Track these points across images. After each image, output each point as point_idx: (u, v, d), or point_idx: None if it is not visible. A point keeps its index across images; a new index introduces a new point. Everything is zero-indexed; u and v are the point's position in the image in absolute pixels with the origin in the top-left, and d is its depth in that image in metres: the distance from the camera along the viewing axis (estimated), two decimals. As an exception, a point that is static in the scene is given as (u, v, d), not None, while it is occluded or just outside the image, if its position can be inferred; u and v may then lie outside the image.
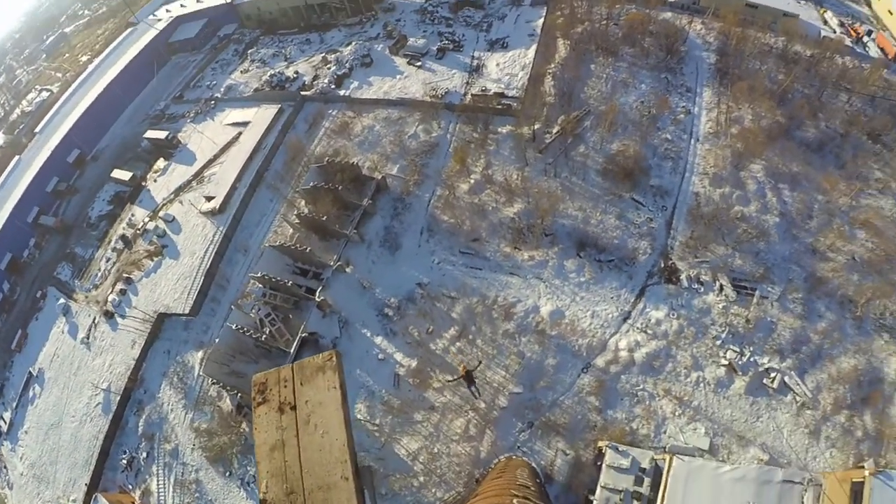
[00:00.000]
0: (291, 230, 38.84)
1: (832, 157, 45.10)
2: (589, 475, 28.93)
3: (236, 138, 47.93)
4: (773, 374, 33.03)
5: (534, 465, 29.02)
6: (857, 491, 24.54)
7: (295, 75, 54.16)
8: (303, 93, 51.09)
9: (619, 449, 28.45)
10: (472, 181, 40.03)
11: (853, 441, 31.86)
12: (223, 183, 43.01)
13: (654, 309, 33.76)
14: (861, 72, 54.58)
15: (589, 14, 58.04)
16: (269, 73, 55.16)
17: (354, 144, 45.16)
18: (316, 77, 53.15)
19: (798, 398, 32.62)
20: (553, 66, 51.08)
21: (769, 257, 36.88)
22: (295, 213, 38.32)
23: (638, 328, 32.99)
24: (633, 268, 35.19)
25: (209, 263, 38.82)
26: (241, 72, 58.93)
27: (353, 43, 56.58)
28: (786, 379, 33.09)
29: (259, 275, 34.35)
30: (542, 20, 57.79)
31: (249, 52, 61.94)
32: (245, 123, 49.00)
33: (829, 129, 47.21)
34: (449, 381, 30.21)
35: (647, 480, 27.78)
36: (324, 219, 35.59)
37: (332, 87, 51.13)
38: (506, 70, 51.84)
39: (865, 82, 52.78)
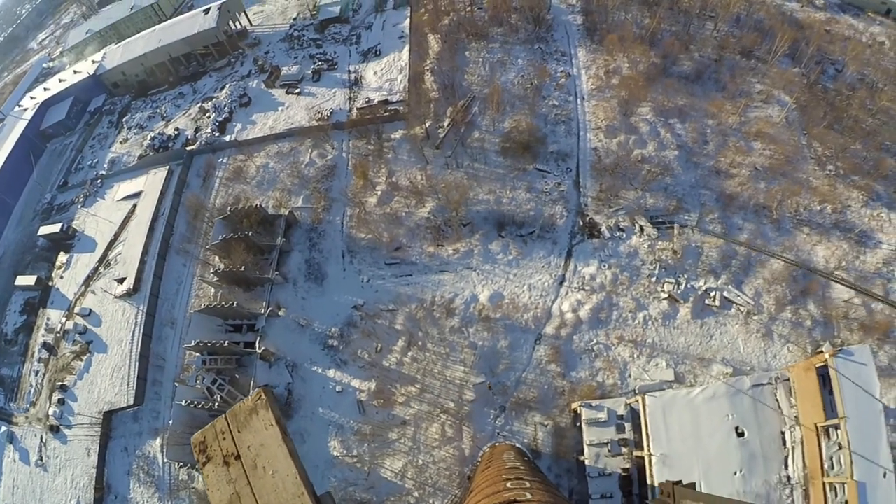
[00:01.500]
0: (213, 289, 46.80)
1: (712, 83, 63.12)
2: (572, 438, 38.64)
3: (132, 211, 56.65)
4: (712, 294, 46.08)
5: (518, 445, 38.03)
6: (823, 374, 36.34)
7: (176, 132, 64.77)
8: (188, 148, 61.15)
9: (593, 405, 38.63)
10: (379, 192, 51.06)
11: (805, 332, 45.33)
12: (131, 261, 50.76)
13: (585, 266, 45.80)
14: (722, -2, 75.41)
15: (452, 4, 75.31)
16: (149, 137, 65.59)
17: (253, 186, 55.08)
18: (198, 129, 64.01)
19: (742, 308, 45.72)
20: (429, 62, 65.78)
21: (678, 189, 51.48)
22: (211, 270, 46.26)
23: (575, 288, 44.56)
24: (554, 233, 47.43)
25: (139, 347, 45.62)
26: (121, 142, 69.13)
27: (227, 86, 68.77)
28: (725, 294, 46.28)
29: (193, 344, 41.30)
30: (408, 20, 74.11)
31: (124, 120, 72.79)
32: (137, 194, 58.03)
33: (703, 58, 65.92)
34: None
35: (627, 426, 38.09)
36: (242, 269, 43.83)
37: (216, 134, 61.95)
38: (385, 77, 66.12)
39: (728, 6, 73.59)
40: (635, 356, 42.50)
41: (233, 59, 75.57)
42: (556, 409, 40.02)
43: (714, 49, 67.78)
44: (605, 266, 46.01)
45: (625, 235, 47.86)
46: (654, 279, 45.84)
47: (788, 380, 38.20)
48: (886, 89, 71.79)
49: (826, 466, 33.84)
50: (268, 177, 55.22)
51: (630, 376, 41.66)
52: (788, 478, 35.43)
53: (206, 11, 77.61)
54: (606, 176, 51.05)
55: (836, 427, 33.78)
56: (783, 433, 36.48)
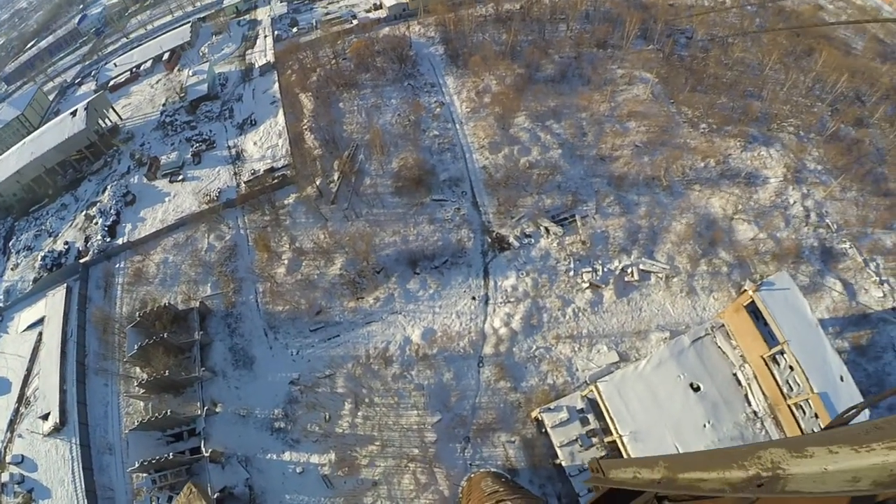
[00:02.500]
0: (142, 403, 51.42)
1: (577, 79, 79.57)
2: (543, 445, 47.19)
3: (39, 340, 60.52)
4: (629, 270, 58.25)
5: (493, 470, 45.94)
6: (752, 311, 47.63)
7: (66, 246, 70.54)
8: (82, 261, 66.63)
9: (552, 408, 47.68)
10: (286, 261, 59.48)
11: (724, 278, 58.24)
12: (50, 393, 54.25)
13: (504, 279, 56.45)
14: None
15: (317, 60, 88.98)
16: (39, 258, 70.58)
17: (157, 285, 61.18)
18: (87, 238, 70.21)
19: (660, 275, 58.05)
20: (306, 120, 77.31)
21: (570, 184, 64.76)
22: (135, 383, 51.07)
23: (501, 303, 54.81)
24: (467, 257, 58.07)
25: (83, 482, 48.62)
26: (12, 269, 73.39)
27: (109, 187, 76.25)
28: (641, 267, 58.62)
29: (137, 465, 45.21)
30: (277, 84, 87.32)
31: (10, 245, 77.32)
32: (41, 320, 62.26)
33: (563, 59, 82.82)
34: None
35: (590, 417, 47.36)
36: (166, 374, 49.03)
37: (108, 240, 68.43)
38: (265, 145, 77.09)
39: (575, 6, 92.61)
40: (576, 349, 52.70)
41: (109, 158, 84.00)
42: (518, 422, 48.62)
43: (571, 48, 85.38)
44: (522, 274, 56.90)
45: (533, 240, 59.48)
46: (571, 273, 57.26)
47: (723, 325, 49.64)
48: (737, 42, 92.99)
49: (785, 390, 43.43)
50: (170, 272, 61.99)
51: (578, 370, 51.54)
52: (755, 412, 45.07)
53: (74, 114, 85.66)
54: (501, 189, 63.25)
55: (782, 352, 43.68)
56: (735, 374, 46.87)
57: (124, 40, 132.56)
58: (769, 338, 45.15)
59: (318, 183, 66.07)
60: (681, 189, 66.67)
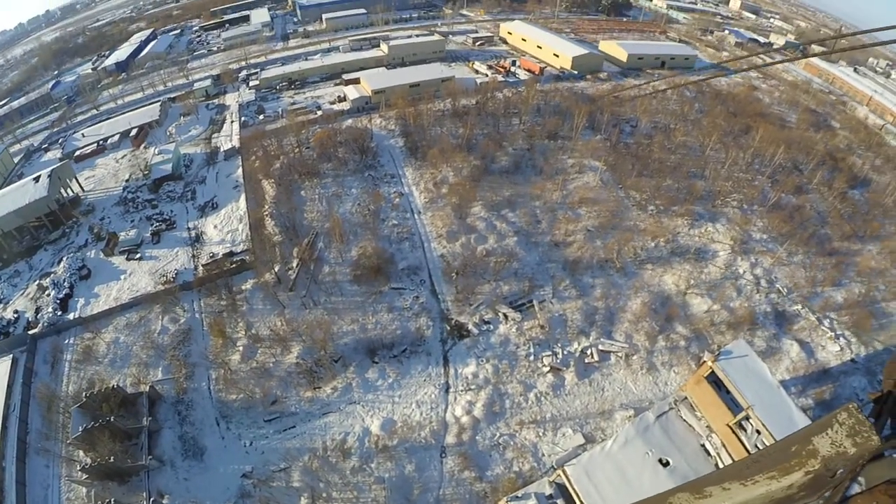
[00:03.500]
0: (84, 489, 48.07)
1: (530, 170, 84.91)
2: (510, 539, 46.30)
3: None
4: (588, 352, 59.93)
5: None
6: (714, 380, 49.12)
7: (16, 315, 68.19)
8: (30, 332, 64.42)
9: (519, 496, 47.22)
10: (241, 348, 59.38)
11: (683, 352, 60.20)
12: None
13: (464, 367, 57.51)
14: (521, 94, 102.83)
15: (281, 148, 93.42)
16: None
17: (106, 366, 59.36)
18: (38, 309, 68.26)
19: (620, 354, 59.75)
20: (267, 207, 79.96)
21: (526, 270, 67.67)
22: (78, 468, 48.14)
23: (462, 391, 55.51)
24: (426, 345, 59.27)
25: None
26: None
27: (65, 258, 75.38)
28: (600, 347, 60.41)
29: None
30: (240, 169, 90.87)
31: None
32: None
33: (516, 150, 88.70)
34: None
35: (560, 502, 47.02)
36: (111, 460, 46.70)
37: (59, 313, 66.68)
38: (226, 228, 78.77)
39: (527, 101, 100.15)
40: (541, 434, 53.02)
41: (67, 229, 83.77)
42: (484, 514, 48.05)
43: (524, 140, 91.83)
44: (483, 361, 58.08)
45: (492, 327, 61.22)
46: (532, 357, 58.68)
47: (686, 398, 50.98)
48: (678, 127, 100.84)
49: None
50: (120, 353, 60.66)
51: (544, 455, 51.58)
52: None
53: (37, 179, 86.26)
54: (459, 277, 65.69)
55: (747, 418, 44.60)
56: (703, 445, 47.56)
57: (94, 112, 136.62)
58: (733, 405, 46.31)
59: (276, 269, 67.56)
60: (634, 269, 70.08)
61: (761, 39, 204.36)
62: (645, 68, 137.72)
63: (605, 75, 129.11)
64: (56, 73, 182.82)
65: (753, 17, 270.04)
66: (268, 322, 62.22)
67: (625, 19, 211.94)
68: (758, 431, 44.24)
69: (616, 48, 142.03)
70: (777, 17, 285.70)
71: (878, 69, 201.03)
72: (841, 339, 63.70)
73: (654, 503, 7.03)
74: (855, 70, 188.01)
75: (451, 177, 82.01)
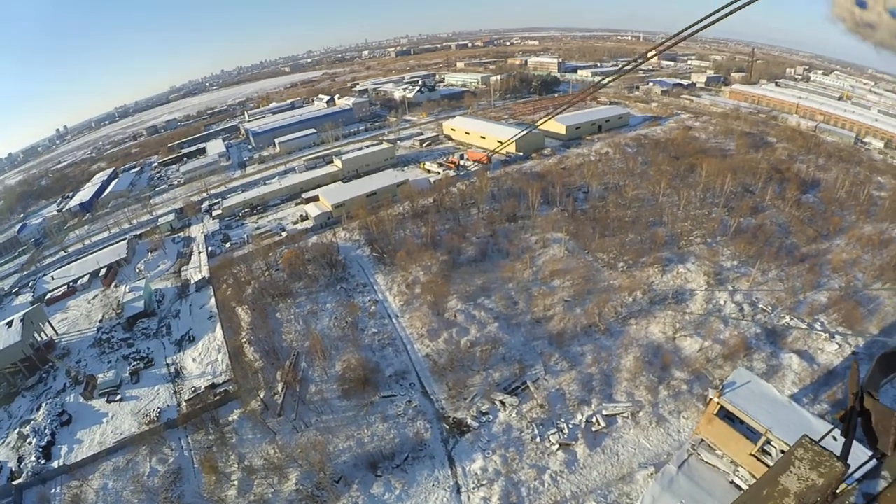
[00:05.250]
0: None
1: (497, 254, 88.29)
2: None
3: None
4: (593, 419, 59.99)
5: None
6: (725, 415, 49.42)
7: None
8: (14, 483, 61.67)
9: (561, 590, 45.75)
10: (236, 482, 57.41)
11: (687, 395, 60.62)
12: None
13: (471, 463, 56.82)
14: (474, 185, 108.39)
15: (251, 273, 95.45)
16: None
17: None
18: (21, 458, 65.65)
19: (625, 415, 59.89)
20: (244, 333, 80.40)
21: (514, 353, 68.80)
22: None
23: (474, 488, 54.52)
24: (427, 449, 58.67)
25: None
26: None
27: (44, 405, 73.62)
28: (604, 412, 60.57)
29: None
30: (213, 299, 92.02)
31: None
32: None
33: (480, 239, 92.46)
34: None
35: None
36: None
37: (42, 462, 64.21)
38: (205, 360, 78.43)
39: (481, 190, 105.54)
40: (564, 516, 52.04)
41: (44, 374, 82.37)
42: None
43: (486, 227, 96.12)
44: (489, 453, 57.52)
45: (491, 416, 61.22)
46: (538, 439, 58.38)
47: (703, 440, 51.36)
48: (628, 182, 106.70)
49: None
50: (110, 500, 57.61)
51: (571, 539, 50.48)
52: None
53: (9, 325, 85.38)
54: (448, 374, 66.25)
55: (768, 442, 45.20)
56: (732, 482, 47.58)
57: (62, 253, 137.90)
58: (750, 433, 46.87)
59: (261, 396, 67.15)
60: (618, 328, 71.78)
61: (684, 82, 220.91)
62: (584, 135, 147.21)
63: (549, 151, 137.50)
64: (22, 215, 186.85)
65: (672, 63, 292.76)
66: (260, 451, 61.17)
67: (556, 95, 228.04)
68: (782, 452, 44.30)
69: (554, 123, 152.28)
70: (692, 57, 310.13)
71: (796, 77, 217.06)
72: (836, 336, 65.58)
73: None
74: (776, 84, 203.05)
75: (422, 276, 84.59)
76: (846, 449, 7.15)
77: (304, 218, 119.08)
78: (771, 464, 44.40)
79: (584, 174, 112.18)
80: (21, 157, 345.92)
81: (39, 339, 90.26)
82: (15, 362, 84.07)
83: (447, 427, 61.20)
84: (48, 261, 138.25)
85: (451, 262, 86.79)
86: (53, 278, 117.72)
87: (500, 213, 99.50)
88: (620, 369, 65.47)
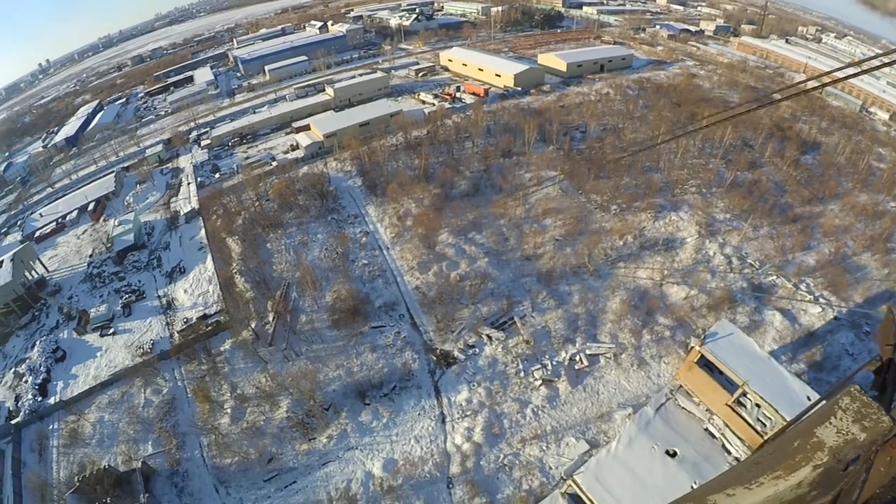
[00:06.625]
0: None
1: (489, 189, 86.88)
2: (531, 562, 46.31)
3: None
4: (577, 358, 60.88)
5: None
6: (705, 364, 50.17)
7: None
8: (13, 422, 63.08)
9: (532, 515, 47.49)
10: (229, 410, 58.67)
11: (669, 342, 61.57)
12: None
13: (456, 394, 57.83)
14: (469, 118, 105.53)
15: (241, 204, 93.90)
16: None
17: (94, 447, 57.86)
18: (18, 397, 66.99)
19: (608, 355, 60.82)
20: (235, 264, 79.96)
21: (502, 288, 68.82)
22: None
23: (458, 418, 55.72)
24: (415, 379, 59.51)
25: None
26: None
27: (38, 342, 74.20)
28: (587, 352, 61.45)
29: None
30: (203, 230, 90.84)
31: None
32: None
33: (473, 173, 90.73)
34: None
35: None
36: None
37: (39, 399, 65.59)
38: (196, 291, 78.43)
39: (477, 123, 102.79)
40: (545, 448, 53.37)
41: (37, 311, 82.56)
42: (500, 541, 48.00)
43: (480, 161, 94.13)
44: (474, 385, 58.50)
45: (478, 350, 61.89)
46: (522, 374, 59.34)
47: (681, 386, 52.18)
48: (626, 126, 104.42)
49: (759, 428, 44.96)
50: (107, 431, 59.32)
51: (551, 468, 51.88)
52: (737, 459, 45.96)
53: (0, 265, 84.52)
54: (437, 306, 66.41)
55: (744, 394, 45.73)
56: (706, 429, 48.52)
57: (50, 189, 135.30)
58: (728, 384, 47.34)
59: (253, 326, 67.44)
60: (607, 270, 71.87)
61: (692, 28, 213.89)
62: (585, 74, 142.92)
63: (548, 87, 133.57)
64: (7, 154, 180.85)
65: (682, 8, 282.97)
66: (252, 380, 61.86)
67: (559, 30, 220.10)
68: (757, 405, 45.49)
69: (555, 59, 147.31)
70: (703, 3, 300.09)
71: (808, 36, 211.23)
72: (820, 300, 66.22)
73: None
74: (787, 41, 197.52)
75: (414, 208, 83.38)
76: (886, 404, 6.11)
77: (295, 148, 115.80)
78: (746, 415, 45.81)
79: (582, 114, 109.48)
80: (3, 94, 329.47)
81: (30, 277, 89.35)
82: (7, 302, 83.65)
83: (434, 358, 61.84)
84: (35, 198, 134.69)
85: (443, 195, 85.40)
86: (42, 215, 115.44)
87: (494, 148, 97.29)
88: (606, 311, 65.98)
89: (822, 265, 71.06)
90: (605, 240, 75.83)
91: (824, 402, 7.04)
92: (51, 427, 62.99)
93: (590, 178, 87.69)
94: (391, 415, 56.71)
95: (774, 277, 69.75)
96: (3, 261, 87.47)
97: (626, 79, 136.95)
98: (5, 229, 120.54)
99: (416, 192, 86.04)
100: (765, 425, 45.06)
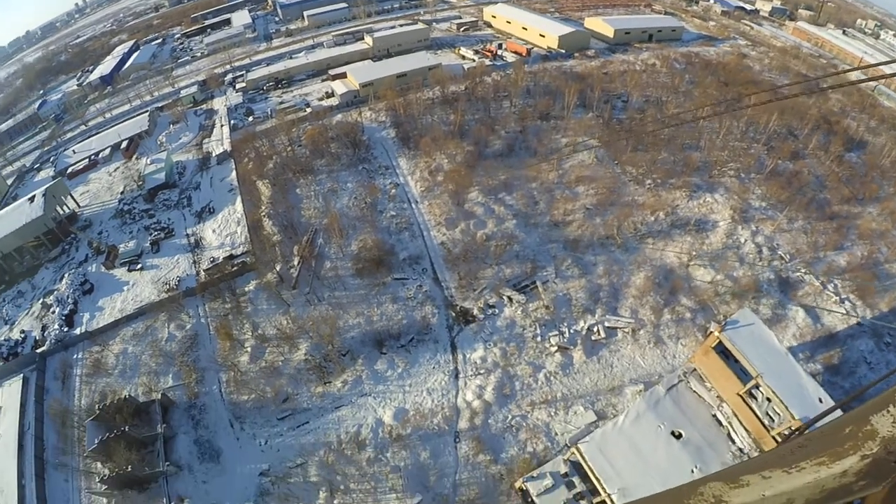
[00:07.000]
0: (104, 500, 49.51)
1: (524, 151, 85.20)
2: (530, 517, 47.09)
3: None
4: (595, 329, 60.55)
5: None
6: (721, 351, 49.72)
7: (22, 335, 69.44)
8: (39, 350, 65.88)
9: (535, 476, 47.99)
10: (249, 349, 60.15)
11: (689, 324, 60.84)
12: (8, 489, 51.60)
13: (472, 352, 58.13)
14: (509, 77, 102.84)
15: (273, 148, 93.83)
16: None
17: (116, 377, 60.37)
18: (44, 327, 69.56)
19: (626, 330, 60.38)
20: (264, 207, 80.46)
21: (527, 252, 68.16)
22: (97, 479, 49.30)
23: (471, 376, 56.15)
24: (432, 333, 59.85)
25: None
26: None
27: (66, 275, 76.64)
28: (606, 324, 61.02)
29: None
30: (234, 172, 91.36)
31: None
32: None
33: (509, 134, 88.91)
34: None
35: (576, 480, 47.69)
36: (129, 469, 47.70)
37: (65, 330, 67.93)
38: (224, 232, 79.44)
39: (516, 83, 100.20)
40: (553, 414, 53.76)
41: (67, 245, 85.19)
42: (502, 495, 48.52)
43: (516, 122, 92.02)
44: (490, 345, 58.71)
45: (497, 311, 61.82)
46: (539, 338, 59.31)
47: (695, 369, 51.55)
48: (670, 99, 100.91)
49: (767, 422, 44.79)
50: (129, 363, 61.65)
51: (556, 434, 52.38)
52: (740, 450, 46.12)
53: (32, 199, 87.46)
54: (460, 263, 66.19)
55: (757, 386, 45.38)
56: (714, 416, 48.28)
57: (83, 127, 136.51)
58: (742, 374, 46.79)
59: (278, 269, 68.26)
60: (635, 244, 70.62)
61: (748, 7, 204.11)
62: (632, 42, 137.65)
63: (592, 52, 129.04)
64: (41, 92, 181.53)
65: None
66: (273, 321, 62.84)
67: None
68: (768, 399, 45.05)
69: (602, 24, 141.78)
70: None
71: (866, 30, 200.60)
72: (846, 302, 64.39)
73: (685, 492, 6.39)
74: (844, 32, 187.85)
75: (446, 164, 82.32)
76: None
77: (330, 95, 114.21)
78: (755, 408, 45.34)
79: (626, 83, 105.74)
80: (39, 33, 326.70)
81: (61, 212, 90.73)
82: (38, 236, 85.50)
83: (454, 315, 62.04)
84: (69, 136, 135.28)
85: (476, 153, 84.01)
86: (75, 152, 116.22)
87: (532, 109, 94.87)
88: (629, 285, 65.16)
89: (852, 268, 68.60)
90: (637, 213, 74.24)
91: (839, 410, 6.52)
92: (75, 357, 64.99)
93: (627, 150, 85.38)
94: (406, 366, 57.35)
95: (803, 273, 67.73)
96: (35, 195, 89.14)
97: (675, 51, 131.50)
98: (38, 165, 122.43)
99: (449, 148, 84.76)
100: (773, 420, 44.63)
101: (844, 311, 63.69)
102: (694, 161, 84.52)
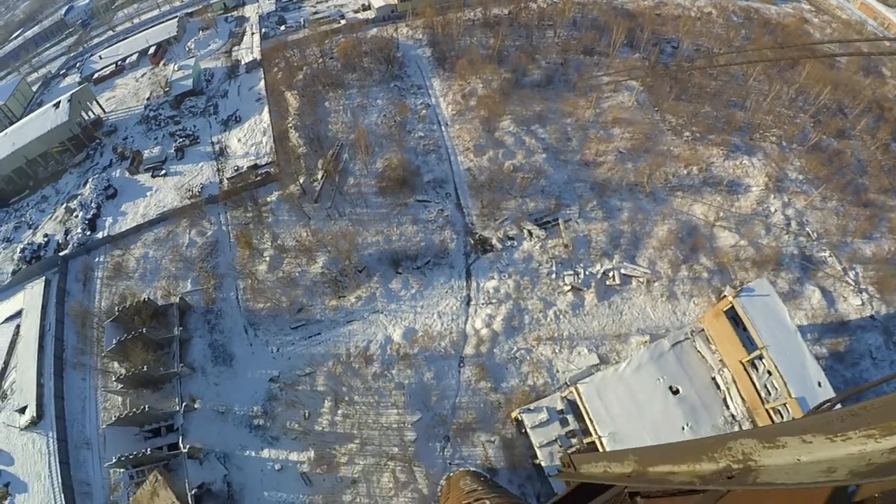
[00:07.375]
0: (120, 398, 52.27)
1: (563, 85, 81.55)
2: (522, 445, 48.38)
3: (17, 333, 60.79)
4: (611, 274, 59.86)
5: (472, 469, 46.96)
6: (732, 316, 49.29)
7: (45, 239, 71.19)
8: (61, 253, 67.46)
9: (532, 408, 48.91)
10: (268, 258, 60.63)
11: (704, 283, 60.05)
12: (27, 387, 54.63)
13: (486, 281, 57.86)
14: (556, 6, 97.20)
15: (304, 59, 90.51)
16: (19, 249, 70.82)
17: (136, 280, 62.00)
18: (67, 231, 71.00)
19: (641, 279, 59.71)
20: (291, 119, 78.66)
21: (553, 188, 66.44)
22: (113, 378, 51.74)
23: (483, 304, 56.13)
24: (449, 258, 59.40)
25: (60, 477, 49.32)
26: None
27: (90, 180, 77.17)
28: (622, 271, 60.27)
29: (114, 460, 46.15)
30: (262, 82, 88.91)
31: None
32: (18, 313, 62.60)
33: (549, 64, 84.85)
34: None
35: (570, 418, 48.59)
36: (144, 369, 49.90)
37: (88, 233, 69.23)
38: (249, 141, 78.23)
39: (563, 13, 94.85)
40: (557, 351, 54.12)
41: (91, 150, 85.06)
42: (498, 423, 49.86)
43: (558, 54, 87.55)
44: (504, 276, 58.34)
45: (516, 243, 61.06)
46: (553, 276, 58.81)
47: (703, 330, 51.35)
48: (722, 52, 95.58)
49: (763, 395, 45.16)
50: (150, 267, 63.04)
51: (558, 371, 52.97)
52: (733, 416, 46.73)
53: (57, 105, 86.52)
54: (485, 192, 64.85)
55: (760, 358, 45.29)
56: (714, 379, 48.53)
57: (110, 33, 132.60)
58: (748, 343, 46.60)
59: (301, 181, 67.45)
60: (663, 196, 68.65)
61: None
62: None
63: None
64: None
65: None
66: (293, 233, 62.93)
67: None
68: (769, 372, 45.01)
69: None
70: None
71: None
72: (864, 293, 62.83)
73: (710, 445, 6.14)
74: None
75: (480, 89, 79.05)
76: None
77: (367, 8, 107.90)
78: (755, 378, 45.40)
79: (678, 28, 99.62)
80: None
81: (87, 117, 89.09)
82: (63, 141, 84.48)
83: (472, 242, 61.43)
84: (95, 41, 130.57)
85: (513, 81, 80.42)
86: (101, 58, 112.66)
87: (577, 42, 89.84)
88: (651, 236, 63.85)
89: (877, 259, 66.39)
90: (670, 164, 71.73)
91: (839, 405, 6.30)
92: (97, 260, 66.07)
93: (670, 97, 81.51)
94: (420, 287, 57.32)
95: (827, 254, 65.69)
96: (60, 101, 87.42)
97: (734, 3, 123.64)
98: (64, 71, 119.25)
99: (485, 73, 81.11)
100: (769, 394, 44.86)
101: (861, 301, 62.47)
102: (737, 120, 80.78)
